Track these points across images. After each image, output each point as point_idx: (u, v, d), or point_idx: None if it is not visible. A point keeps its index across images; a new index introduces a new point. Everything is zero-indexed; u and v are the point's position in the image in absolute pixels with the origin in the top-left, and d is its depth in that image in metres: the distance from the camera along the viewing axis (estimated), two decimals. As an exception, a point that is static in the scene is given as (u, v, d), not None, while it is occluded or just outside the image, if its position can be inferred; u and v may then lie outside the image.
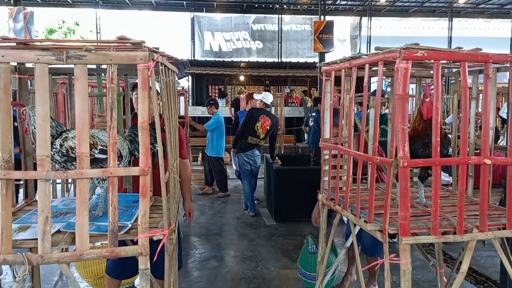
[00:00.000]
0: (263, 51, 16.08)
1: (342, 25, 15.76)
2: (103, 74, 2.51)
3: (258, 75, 14.48)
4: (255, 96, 6.14)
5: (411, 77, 1.79)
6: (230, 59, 14.93)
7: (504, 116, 4.60)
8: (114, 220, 1.53)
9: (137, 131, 1.53)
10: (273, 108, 9.46)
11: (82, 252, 1.51)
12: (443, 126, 2.12)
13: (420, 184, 2.18)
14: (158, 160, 1.72)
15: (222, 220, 5.53)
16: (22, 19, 10.68)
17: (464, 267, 1.80)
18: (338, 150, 2.26)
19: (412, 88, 3.18)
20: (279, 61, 15.18)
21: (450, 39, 14.81)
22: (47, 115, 1.45)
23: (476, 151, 2.37)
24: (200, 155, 9.30)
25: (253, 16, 15.93)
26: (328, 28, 11.49)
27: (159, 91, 1.94)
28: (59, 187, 2.83)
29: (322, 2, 12.20)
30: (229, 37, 15.88)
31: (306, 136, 11.41)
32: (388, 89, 2.98)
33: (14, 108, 1.73)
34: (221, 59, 14.90)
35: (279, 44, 15.53)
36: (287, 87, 14.66)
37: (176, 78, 2.40)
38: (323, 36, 11.40)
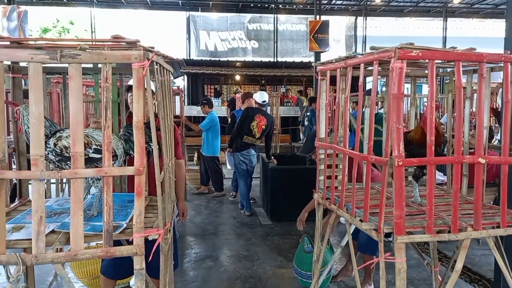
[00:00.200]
0: (258, 51, 16.08)
1: (338, 25, 15.80)
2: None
3: (254, 75, 14.48)
4: (254, 96, 6.14)
5: (406, 77, 1.80)
6: (225, 59, 14.92)
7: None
8: (109, 220, 1.52)
9: (132, 130, 1.52)
10: (268, 108, 9.46)
11: (76, 252, 1.50)
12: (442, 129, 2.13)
13: (415, 183, 2.19)
14: (153, 159, 1.72)
15: (218, 220, 5.52)
16: (16, 18, 10.60)
17: (459, 265, 1.81)
18: (334, 149, 2.27)
19: (407, 88, 3.20)
20: (275, 60, 15.20)
21: (444, 39, 14.89)
22: (41, 114, 1.44)
23: (470, 150, 2.38)
24: (195, 155, 9.28)
25: (248, 16, 15.93)
26: (323, 27, 11.51)
27: (154, 90, 1.93)
28: (53, 187, 2.81)
29: (318, 2, 12.22)
30: (225, 36, 15.87)
31: (301, 135, 11.43)
32: (384, 89, 2.99)
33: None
34: (217, 59, 14.88)
35: (275, 43, 15.54)
36: (282, 86, 14.67)
37: (172, 78, 2.40)
38: (318, 35, 11.42)
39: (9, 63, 2.22)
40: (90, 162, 1.69)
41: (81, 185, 1.50)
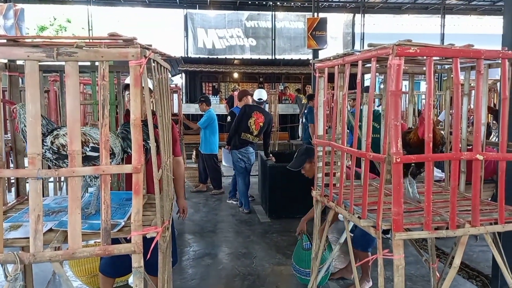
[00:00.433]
0: (256, 48, 16.04)
1: (335, 22, 15.77)
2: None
3: (252, 72, 14.45)
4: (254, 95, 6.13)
5: (404, 74, 1.80)
6: (223, 57, 14.87)
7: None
8: (107, 218, 1.52)
9: (130, 128, 1.52)
10: (267, 106, 9.45)
11: (74, 251, 1.50)
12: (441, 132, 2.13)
13: (412, 180, 2.19)
14: (151, 157, 1.71)
15: (216, 218, 5.52)
16: (13, 16, 10.54)
17: (457, 261, 1.81)
18: (332, 146, 2.27)
19: (405, 85, 3.20)
20: (273, 58, 15.16)
21: (442, 36, 14.88)
22: (37, 113, 1.44)
23: (468, 147, 2.39)
24: (194, 153, 9.27)
25: (246, 13, 15.87)
26: (321, 25, 11.48)
27: (151, 88, 1.93)
28: (51, 185, 2.81)
29: (316, -1, 12.20)
30: (223, 34, 15.82)
31: (300, 133, 11.43)
32: (382, 86, 2.99)
33: None
34: (215, 57, 14.84)
35: (273, 41, 15.50)
36: (281, 84, 14.65)
37: (169, 75, 2.39)
38: (316, 33, 11.39)
39: (5, 61, 2.21)
40: (87, 160, 1.68)
41: (79, 184, 1.50)
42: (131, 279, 3.31)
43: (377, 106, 5.69)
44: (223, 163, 6.80)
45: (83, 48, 1.44)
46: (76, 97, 1.47)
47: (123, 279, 3.34)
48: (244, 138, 5.62)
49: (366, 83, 8.38)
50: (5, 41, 1.57)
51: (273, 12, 15.39)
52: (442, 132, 2.57)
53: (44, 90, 4.34)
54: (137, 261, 1.55)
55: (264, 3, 15.27)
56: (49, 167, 1.85)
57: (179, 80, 15.35)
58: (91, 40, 1.61)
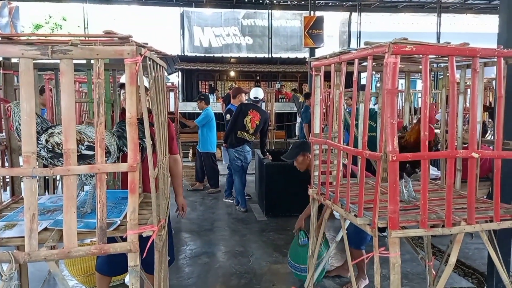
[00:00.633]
0: (253, 47, 16.01)
1: (332, 21, 15.78)
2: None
3: (249, 71, 14.42)
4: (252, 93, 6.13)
5: (400, 72, 1.80)
6: (220, 55, 14.84)
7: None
8: (103, 217, 1.51)
9: (125, 127, 1.51)
10: (263, 104, 9.44)
11: (70, 250, 1.49)
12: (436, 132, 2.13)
13: (408, 179, 2.20)
14: (147, 155, 1.71)
15: (213, 216, 5.52)
16: (7, 14, 10.46)
17: (452, 259, 1.82)
18: (328, 145, 2.27)
19: (401, 83, 3.21)
20: (270, 56, 15.14)
21: (438, 35, 14.92)
22: (32, 111, 1.43)
23: (464, 145, 2.39)
24: (190, 151, 9.26)
25: (243, 11, 15.83)
26: (318, 23, 11.47)
27: (147, 86, 1.92)
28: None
29: (312, -3, 12.18)
30: (219, 32, 15.78)
31: (297, 131, 11.44)
32: (378, 85, 3.00)
33: None
34: (211, 55, 14.80)
35: (269, 39, 15.48)
36: (277, 82, 14.65)
37: (166, 74, 2.38)
38: (313, 31, 11.37)
39: (0, 59, 2.19)
40: (82, 159, 1.67)
41: (74, 182, 1.49)
42: (127, 278, 3.30)
43: (374, 105, 5.70)
44: (223, 161, 6.79)
45: (78, 46, 1.43)
46: (71, 95, 1.46)
47: (119, 278, 3.33)
48: (240, 137, 5.62)
49: (363, 82, 8.40)
50: (-1, 38, 1.56)
51: (270, 11, 15.36)
52: (438, 131, 2.58)
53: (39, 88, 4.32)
54: (133, 260, 1.54)
55: (260, 1, 15.24)
56: (44, 166, 1.84)
57: (175, 79, 15.31)
58: (86, 38, 1.60)
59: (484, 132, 4.62)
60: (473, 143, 1.77)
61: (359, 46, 13.66)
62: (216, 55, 14.83)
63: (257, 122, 5.65)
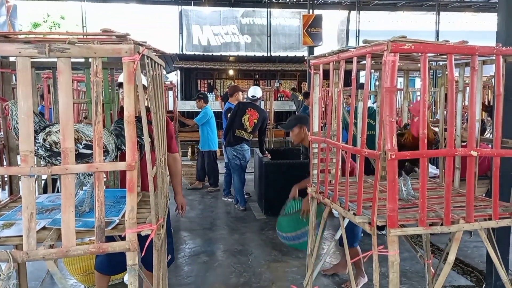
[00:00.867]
0: (251, 46, 15.99)
1: (331, 19, 15.75)
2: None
3: (248, 69, 14.42)
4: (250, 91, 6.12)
5: (399, 70, 1.80)
6: (219, 53, 14.83)
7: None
8: (101, 215, 1.51)
9: (123, 125, 1.50)
10: (262, 103, 9.44)
11: (68, 249, 1.49)
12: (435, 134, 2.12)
13: (406, 177, 2.20)
14: (145, 154, 1.70)
15: (212, 215, 5.52)
16: (5, 13, 10.42)
17: (451, 257, 1.82)
18: (327, 143, 2.27)
19: (400, 81, 3.21)
20: (268, 55, 15.13)
21: (437, 33, 14.92)
22: (30, 109, 1.42)
23: (462, 144, 2.39)
24: (189, 150, 9.25)
25: (241, 10, 15.80)
26: (317, 22, 11.45)
27: (146, 84, 1.91)
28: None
29: (311, -4, 12.16)
30: (218, 31, 15.75)
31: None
32: (377, 83, 3.00)
33: None
34: (210, 53, 14.78)
35: (268, 38, 15.46)
36: (276, 81, 14.64)
37: (164, 72, 2.38)
38: (312, 30, 11.36)
39: (-3, 58, 2.18)
40: (80, 157, 1.67)
41: (72, 181, 1.49)
42: (126, 277, 3.30)
43: (373, 103, 5.70)
44: (225, 159, 6.80)
45: (76, 44, 1.42)
46: (68, 94, 1.45)
47: (118, 277, 3.33)
48: (238, 135, 5.62)
49: (362, 80, 8.39)
50: (-4, 37, 1.55)
51: (269, 9, 15.33)
52: (436, 129, 2.58)
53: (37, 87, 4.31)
54: (132, 259, 1.54)
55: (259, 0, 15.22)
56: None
57: (174, 77, 15.29)
58: (84, 36, 1.60)
59: (483, 130, 4.63)
60: (472, 141, 1.77)
61: (358, 44, 13.65)
62: (214, 53, 14.81)
63: (255, 121, 5.65)
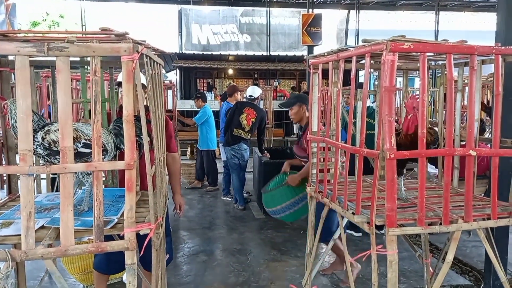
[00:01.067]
0: (251, 45, 15.99)
1: (330, 18, 15.75)
2: (87, 67, 2.47)
3: (247, 69, 14.41)
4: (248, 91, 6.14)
5: (398, 70, 1.80)
6: (218, 53, 14.82)
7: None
8: (100, 215, 1.50)
9: (122, 124, 1.50)
10: (261, 102, 9.43)
11: (67, 248, 1.49)
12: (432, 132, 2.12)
13: (399, 178, 2.17)
14: (144, 153, 1.70)
15: (211, 214, 5.52)
16: (4, 11, 10.39)
17: (450, 257, 1.82)
18: (326, 142, 2.27)
19: (399, 81, 3.21)
20: (268, 54, 15.12)
21: (437, 33, 14.93)
22: (28, 108, 1.42)
23: (461, 143, 2.40)
24: (188, 149, 9.24)
25: (241, 9, 15.80)
26: (316, 21, 11.46)
27: (145, 83, 1.91)
28: (44, 182, 2.79)
29: (310, -5, 12.17)
30: (217, 30, 15.74)
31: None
32: (376, 83, 3.00)
33: None
34: (209, 53, 14.77)
35: (268, 37, 15.46)
36: (276, 80, 14.64)
37: (163, 71, 2.37)
38: (311, 29, 11.37)
39: (-4, 56, 2.18)
40: (79, 157, 1.67)
41: (71, 180, 1.49)
42: (125, 276, 3.30)
43: (372, 102, 5.70)
44: (222, 158, 6.81)
45: (74, 43, 1.42)
46: (67, 93, 1.45)
47: (117, 276, 3.33)
48: (236, 134, 5.62)
49: (361, 80, 8.38)
50: (-5, 36, 1.55)
51: (268, 8, 15.33)
52: (436, 128, 2.58)
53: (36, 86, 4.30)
54: (130, 258, 1.54)
55: (259, -2, 15.21)
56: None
57: (173, 77, 15.28)
58: (83, 35, 1.59)
59: (482, 130, 4.63)
60: (471, 141, 1.77)
61: (357, 44, 13.65)
62: (214, 53, 14.81)
63: (253, 120, 5.65)
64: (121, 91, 2.45)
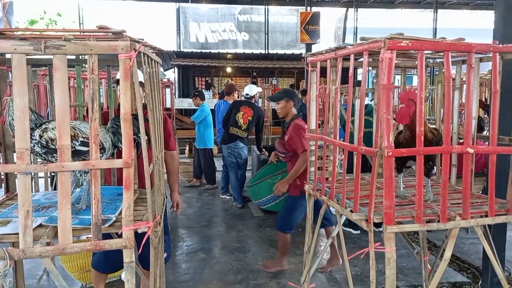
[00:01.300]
0: (249, 43, 15.97)
1: (329, 16, 15.75)
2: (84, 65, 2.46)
3: (245, 67, 14.40)
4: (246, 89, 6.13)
5: (396, 68, 1.80)
6: (216, 51, 14.80)
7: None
8: (98, 213, 1.50)
9: (120, 122, 1.50)
10: (260, 100, 9.42)
11: (65, 246, 1.49)
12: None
13: (399, 175, 2.18)
14: (142, 151, 1.70)
15: (210, 212, 5.52)
16: (1, 9, 10.36)
17: (447, 254, 1.83)
18: (324, 140, 2.27)
19: (397, 79, 3.21)
20: (266, 52, 15.11)
21: (435, 30, 14.93)
22: (25, 106, 1.41)
23: (459, 141, 2.40)
24: (187, 148, 9.24)
25: (239, 7, 15.78)
26: (314, 19, 11.45)
27: (143, 81, 1.91)
28: (42, 181, 2.78)
29: (309, -7, 12.15)
30: (215, 28, 15.72)
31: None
32: (374, 81, 3.01)
33: None
34: (207, 51, 14.75)
35: (266, 35, 15.44)
36: (274, 78, 14.63)
37: (161, 70, 2.36)
38: (309, 27, 11.36)
39: (-7, 55, 2.17)
40: (77, 155, 1.66)
41: (68, 178, 1.48)
42: (123, 274, 3.30)
43: (370, 100, 5.70)
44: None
45: (71, 41, 1.41)
46: (65, 91, 1.45)
47: (115, 274, 3.32)
48: (233, 133, 5.62)
49: (360, 78, 8.38)
50: (-9, 34, 1.54)
51: (266, 6, 15.31)
52: (434, 126, 2.58)
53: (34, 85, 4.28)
54: (129, 256, 1.54)
55: (257, -3, 15.19)
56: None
57: (171, 75, 15.25)
58: (80, 33, 1.59)
59: (481, 128, 4.63)
60: (468, 139, 1.78)
61: (356, 42, 13.62)
62: (212, 51, 14.78)
63: (250, 118, 5.64)
64: (120, 89, 2.45)
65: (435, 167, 2.22)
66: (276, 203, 3.62)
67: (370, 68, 2.83)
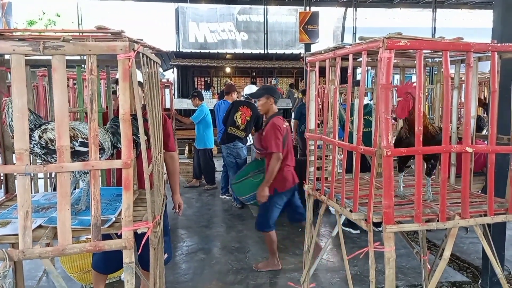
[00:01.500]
0: (248, 43, 15.97)
1: (328, 16, 15.75)
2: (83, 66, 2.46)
3: (244, 67, 14.39)
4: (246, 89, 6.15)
5: (395, 67, 1.80)
6: (215, 51, 14.79)
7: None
8: (97, 214, 1.50)
9: (119, 123, 1.50)
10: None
11: (64, 247, 1.49)
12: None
13: (400, 174, 2.19)
14: (141, 152, 1.70)
15: (209, 212, 5.52)
16: (0, 10, 10.35)
17: (447, 253, 1.83)
18: (323, 140, 2.27)
19: (397, 79, 3.21)
20: (265, 52, 15.10)
21: (434, 30, 14.93)
22: (24, 107, 1.41)
23: (459, 140, 2.40)
24: (186, 148, 9.24)
25: (238, 7, 15.78)
26: (313, 19, 11.45)
27: (142, 81, 1.90)
28: (41, 182, 2.78)
29: (308, -7, 12.15)
30: (214, 28, 15.71)
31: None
32: (373, 80, 3.01)
33: None
34: (207, 51, 14.73)
35: (265, 35, 15.44)
36: (273, 78, 14.63)
37: (161, 70, 2.36)
38: (308, 27, 11.36)
39: (-8, 55, 2.17)
40: (76, 155, 1.66)
41: (68, 179, 1.48)
42: (123, 275, 3.29)
43: (369, 100, 5.70)
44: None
45: (70, 41, 1.41)
46: (64, 92, 1.45)
47: (115, 275, 3.32)
48: (231, 133, 5.62)
49: (359, 77, 8.38)
50: (-10, 34, 1.54)
51: (265, 6, 15.31)
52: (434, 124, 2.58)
53: (33, 85, 4.28)
54: (128, 257, 1.54)
55: (256, -4, 15.18)
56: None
57: (171, 75, 15.24)
58: (79, 34, 1.59)
59: (480, 128, 4.64)
60: (467, 138, 1.78)
61: (355, 41, 13.60)
62: (211, 51, 14.77)
63: (248, 118, 5.63)
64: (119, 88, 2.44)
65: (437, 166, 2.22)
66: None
67: (369, 67, 2.84)
